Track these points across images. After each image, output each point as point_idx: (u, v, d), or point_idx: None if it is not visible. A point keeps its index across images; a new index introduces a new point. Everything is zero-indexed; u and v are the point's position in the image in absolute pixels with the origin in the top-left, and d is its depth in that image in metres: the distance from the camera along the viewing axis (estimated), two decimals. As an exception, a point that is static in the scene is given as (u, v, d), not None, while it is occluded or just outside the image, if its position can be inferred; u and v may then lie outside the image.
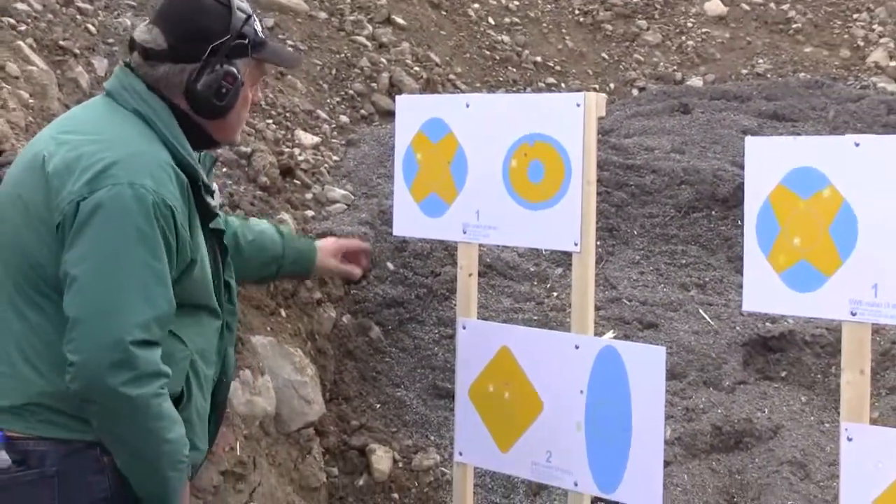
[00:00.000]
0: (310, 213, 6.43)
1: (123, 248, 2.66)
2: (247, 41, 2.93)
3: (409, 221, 3.89)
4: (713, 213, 7.79)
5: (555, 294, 6.73)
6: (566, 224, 3.47)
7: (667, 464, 5.66)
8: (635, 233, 7.66)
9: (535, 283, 6.88)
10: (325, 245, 3.67)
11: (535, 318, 6.37)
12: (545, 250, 7.17)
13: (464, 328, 3.78)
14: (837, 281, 2.96)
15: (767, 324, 6.68)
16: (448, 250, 6.62)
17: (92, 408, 2.71)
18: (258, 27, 3.00)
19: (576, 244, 3.46)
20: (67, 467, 2.78)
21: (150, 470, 2.77)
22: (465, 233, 3.73)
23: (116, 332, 2.63)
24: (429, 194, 3.80)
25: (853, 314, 2.94)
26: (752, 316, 6.73)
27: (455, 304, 6.24)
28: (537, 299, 6.66)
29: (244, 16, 2.94)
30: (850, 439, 2.97)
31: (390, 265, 6.46)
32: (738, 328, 6.63)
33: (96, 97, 3.03)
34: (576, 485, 3.50)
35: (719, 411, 6.02)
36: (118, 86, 2.93)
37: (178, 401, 2.86)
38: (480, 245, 3.84)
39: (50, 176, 2.75)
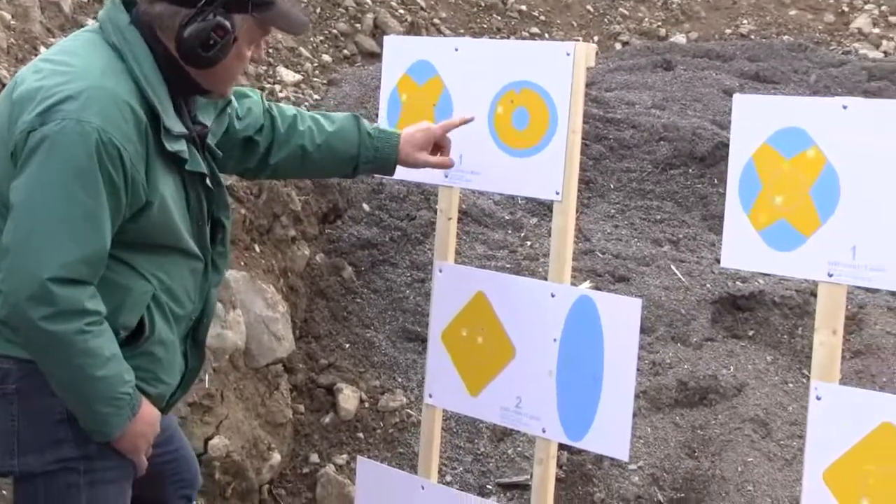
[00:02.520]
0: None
1: (58, 184, 2.64)
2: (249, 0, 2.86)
3: (391, 163, 3.87)
4: (690, 170, 7.81)
5: (528, 243, 6.74)
6: (549, 172, 3.47)
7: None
8: (612, 186, 7.68)
9: (510, 231, 6.89)
10: (412, 138, 3.50)
11: (508, 266, 6.38)
12: (521, 199, 7.18)
13: (440, 272, 3.79)
14: (816, 241, 2.98)
15: (738, 283, 6.71)
16: (424, 194, 6.62)
17: (20, 336, 2.73)
18: None
19: (557, 193, 3.46)
20: (26, 386, 2.80)
21: (80, 403, 2.77)
22: (446, 177, 3.72)
23: (35, 267, 2.63)
24: (411, 136, 3.78)
25: (830, 275, 2.96)
26: (723, 274, 6.77)
27: (429, 249, 6.27)
28: (511, 247, 6.67)
29: None
30: (818, 398, 3.00)
31: (366, 206, 6.45)
32: (708, 286, 6.67)
33: (89, 26, 2.98)
34: (544, 431, 3.52)
35: (685, 367, 6.06)
36: (105, 17, 2.89)
37: (137, 334, 2.86)
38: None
39: (14, 102, 2.75)
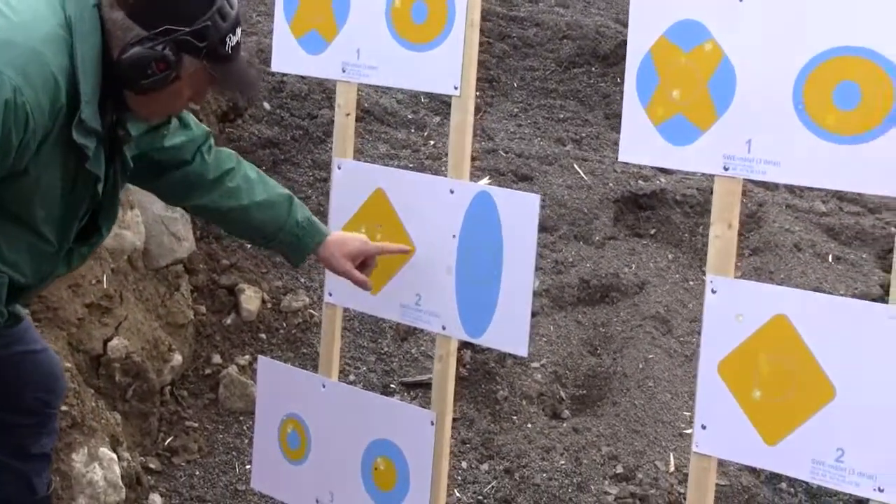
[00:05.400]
0: (186, 47, 6.28)
1: None
2: (203, 44, 2.77)
3: (288, 57, 3.80)
4: (593, 69, 7.81)
5: (431, 142, 6.71)
6: (447, 67, 3.42)
7: (533, 314, 5.71)
8: (515, 85, 7.65)
9: (413, 130, 6.85)
10: (345, 244, 3.52)
11: (411, 165, 6.36)
12: (424, 98, 7.14)
13: (339, 168, 3.74)
14: (712, 135, 2.97)
15: (640, 181, 6.76)
16: (326, 93, 6.54)
17: None
18: (231, 41, 2.83)
19: (456, 88, 3.42)
20: None
21: None
22: (344, 71, 3.66)
23: None
24: (309, 31, 3.72)
25: (726, 168, 2.97)
26: (625, 173, 6.80)
27: (331, 148, 6.20)
28: (414, 147, 6.63)
29: (219, 22, 2.78)
30: (714, 291, 3.02)
31: (267, 105, 6.37)
32: (611, 184, 6.70)
33: None
34: (444, 328, 3.51)
35: (588, 265, 6.11)
36: None
37: None
38: (360, 89, 3.77)
39: None
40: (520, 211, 3.34)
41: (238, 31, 2.86)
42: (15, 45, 2.60)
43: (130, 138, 2.98)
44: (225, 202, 3.37)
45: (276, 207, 3.45)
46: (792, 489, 4.95)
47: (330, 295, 3.78)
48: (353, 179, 3.71)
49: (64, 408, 3.93)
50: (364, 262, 3.57)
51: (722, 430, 3.04)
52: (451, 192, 3.46)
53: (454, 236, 3.45)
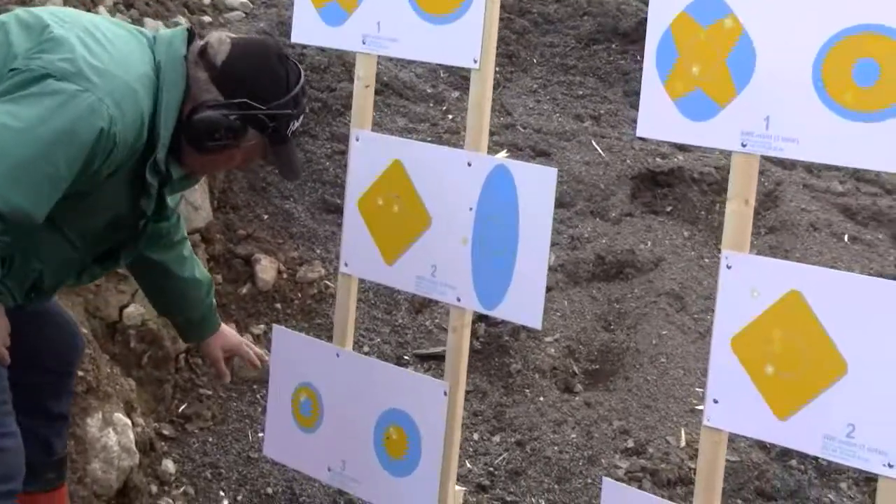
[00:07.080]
0: (207, 18, 6.29)
1: (50, 139, 2.67)
2: (271, 125, 2.98)
3: (308, 29, 3.82)
4: (613, 46, 7.80)
5: (450, 117, 6.71)
6: (467, 40, 3.43)
7: (548, 289, 5.76)
8: (535, 61, 7.65)
9: (432, 104, 6.85)
10: (225, 338, 3.73)
11: (429, 139, 6.36)
12: (444, 72, 7.13)
13: (357, 139, 3.76)
14: (731, 112, 2.97)
15: (657, 159, 6.75)
16: (345, 66, 6.54)
17: None
18: (293, 126, 3.06)
19: (475, 61, 3.42)
20: None
21: None
22: (364, 43, 3.67)
23: None
24: (329, 2, 3.73)
25: (744, 145, 2.97)
26: (643, 150, 6.80)
27: (349, 121, 6.20)
28: (432, 121, 6.64)
29: (290, 111, 3.02)
30: (729, 267, 3.03)
31: (286, 76, 6.36)
32: (628, 161, 6.70)
33: (146, 31, 3.04)
34: (458, 300, 3.53)
35: (603, 241, 6.12)
36: (165, 37, 2.98)
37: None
38: (379, 62, 3.78)
39: (45, 37, 2.78)
40: (537, 184, 3.34)
41: (301, 118, 3.08)
42: (115, 77, 2.76)
43: (172, 178, 3.09)
44: (173, 267, 3.46)
45: (201, 287, 3.57)
46: (802, 466, 4.95)
47: (346, 265, 3.80)
48: (371, 151, 3.73)
49: (80, 373, 3.95)
50: (229, 358, 3.78)
51: (734, 405, 3.05)
52: (469, 164, 3.47)
53: (471, 209, 3.46)
